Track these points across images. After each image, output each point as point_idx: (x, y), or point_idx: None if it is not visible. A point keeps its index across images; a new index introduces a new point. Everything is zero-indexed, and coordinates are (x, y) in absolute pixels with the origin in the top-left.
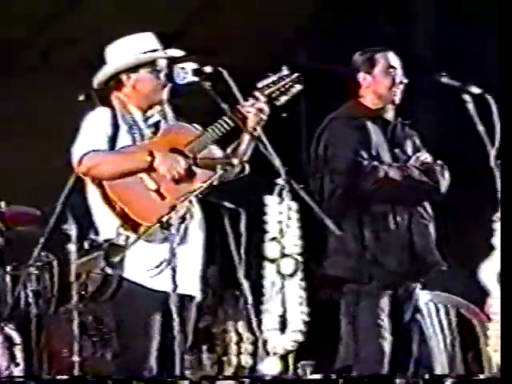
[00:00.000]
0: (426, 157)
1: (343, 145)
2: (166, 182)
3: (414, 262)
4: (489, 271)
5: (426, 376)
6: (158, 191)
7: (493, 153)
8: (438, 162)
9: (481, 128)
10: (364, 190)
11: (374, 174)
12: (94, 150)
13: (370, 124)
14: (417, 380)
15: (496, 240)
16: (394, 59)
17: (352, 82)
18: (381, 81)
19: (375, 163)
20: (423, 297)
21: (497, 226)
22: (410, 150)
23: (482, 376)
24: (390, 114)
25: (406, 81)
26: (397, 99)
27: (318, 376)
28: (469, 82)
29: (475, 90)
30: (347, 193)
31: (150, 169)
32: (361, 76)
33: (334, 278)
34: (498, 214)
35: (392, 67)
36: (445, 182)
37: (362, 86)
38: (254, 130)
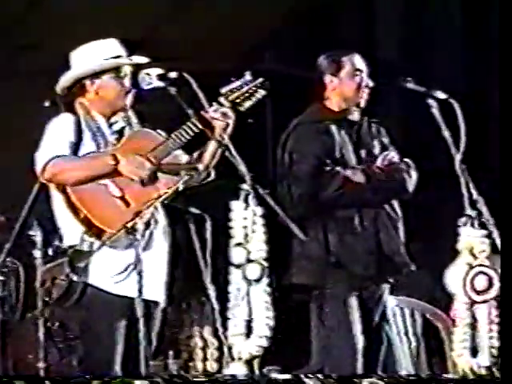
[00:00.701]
0: (392, 155)
1: (307, 151)
2: (130, 188)
3: (382, 264)
4: (454, 276)
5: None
6: (122, 198)
7: (458, 157)
8: (405, 160)
9: (446, 133)
10: (329, 195)
11: (338, 179)
12: (57, 156)
13: (334, 127)
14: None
15: (461, 244)
16: (360, 62)
17: (318, 84)
18: (347, 83)
19: (338, 168)
20: (389, 302)
21: (462, 231)
22: (377, 150)
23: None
24: (355, 116)
25: (371, 84)
26: (362, 102)
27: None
28: (434, 87)
29: (440, 94)
30: (313, 199)
31: (114, 172)
32: (327, 78)
33: (301, 285)
34: (463, 219)
35: (358, 70)
36: (412, 181)
37: (327, 88)
38: (221, 136)
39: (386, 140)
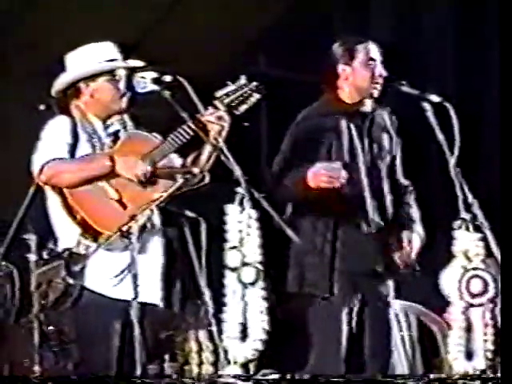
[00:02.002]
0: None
1: (309, 152)
2: (127, 191)
3: (386, 264)
4: (449, 279)
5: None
6: (119, 200)
7: (452, 161)
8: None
9: (440, 136)
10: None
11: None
12: (54, 159)
13: (344, 122)
14: None
15: (456, 248)
16: (374, 51)
17: (330, 73)
18: (360, 73)
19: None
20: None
21: (457, 234)
22: (386, 143)
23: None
24: (367, 107)
25: (385, 73)
26: (376, 93)
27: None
28: (428, 90)
29: (434, 98)
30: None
31: (111, 174)
32: (340, 67)
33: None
34: (458, 222)
35: (372, 59)
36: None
37: (340, 77)
38: (216, 140)
39: (393, 132)
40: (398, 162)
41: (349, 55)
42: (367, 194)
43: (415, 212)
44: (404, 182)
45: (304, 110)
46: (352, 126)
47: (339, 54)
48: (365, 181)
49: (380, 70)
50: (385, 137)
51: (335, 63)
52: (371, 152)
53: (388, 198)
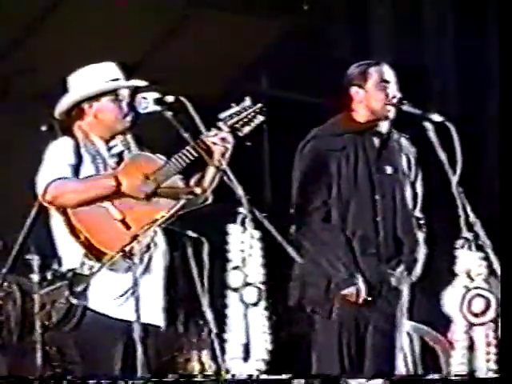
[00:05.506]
0: None
1: (315, 177)
2: (131, 211)
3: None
4: (451, 298)
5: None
6: (123, 221)
7: (454, 180)
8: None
9: (442, 156)
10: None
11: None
12: (59, 178)
13: (352, 143)
14: None
15: (458, 267)
16: (388, 73)
17: (344, 95)
18: (373, 95)
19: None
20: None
21: (459, 254)
22: (404, 165)
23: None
24: (382, 128)
25: (399, 95)
26: (391, 114)
27: None
28: (430, 110)
29: (436, 117)
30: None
31: (116, 194)
32: (353, 90)
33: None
34: (460, 241)
35: (385, 81)
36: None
37: (354, 100)
38: (220, 161)
39: (413, 158)
40: (419, 192)
41: (362, 77)
42: (377, 214)
43: (420, 251)
44: (418, 214)
45: (313, 129)
46: (365, 144)
47: (352, 76)
48: (375, 202)
49: (394, 91)
50: (401, 160)
51: (349, 86)
52: (383, 173)
53: (397, 222)
